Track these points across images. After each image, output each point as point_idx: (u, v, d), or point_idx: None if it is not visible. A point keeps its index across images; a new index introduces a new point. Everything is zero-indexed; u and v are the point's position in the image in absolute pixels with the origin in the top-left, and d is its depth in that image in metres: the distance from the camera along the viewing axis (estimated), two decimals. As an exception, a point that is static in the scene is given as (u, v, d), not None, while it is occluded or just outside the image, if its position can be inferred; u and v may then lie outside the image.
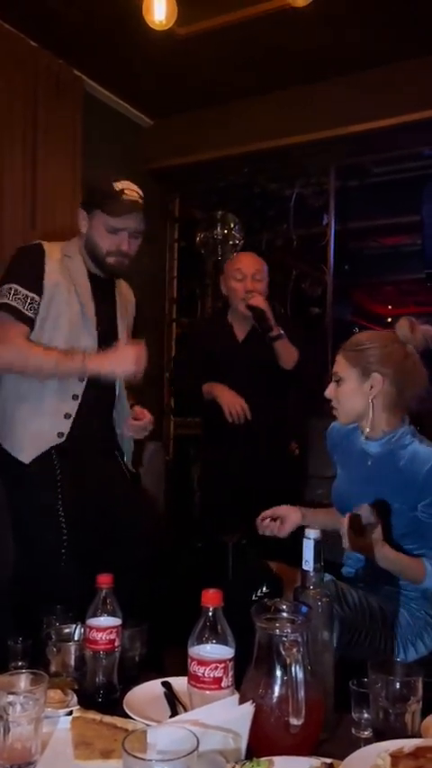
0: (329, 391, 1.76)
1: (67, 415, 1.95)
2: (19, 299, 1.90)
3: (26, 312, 1.91)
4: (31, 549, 1.90)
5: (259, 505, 1.92)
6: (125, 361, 1.91)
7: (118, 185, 1.98)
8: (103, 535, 1.94)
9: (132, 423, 2.09)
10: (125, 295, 2.21)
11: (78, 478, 1.95)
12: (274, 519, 1.83)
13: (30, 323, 1.92)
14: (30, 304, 1.91)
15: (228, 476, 2.78)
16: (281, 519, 1.82)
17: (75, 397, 1.96)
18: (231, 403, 2.69)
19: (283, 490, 2.66)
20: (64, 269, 2.00)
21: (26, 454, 1.92)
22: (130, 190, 1.98)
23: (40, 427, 1.93)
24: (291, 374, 2.70)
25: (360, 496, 1.68)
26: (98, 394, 2.02)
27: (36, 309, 1.93)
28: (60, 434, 1.93)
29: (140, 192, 2.00)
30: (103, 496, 1.99)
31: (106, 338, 2.04)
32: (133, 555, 1.93)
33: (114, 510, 2.00)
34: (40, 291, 1.94)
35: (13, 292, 1.91)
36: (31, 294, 1.92)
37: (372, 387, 1.67)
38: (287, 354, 2.68)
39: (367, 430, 1.71)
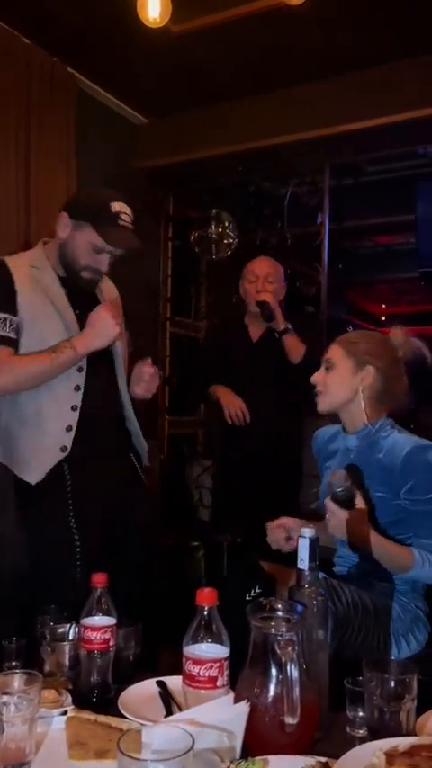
0: (318, 377, 1.81)
1: (68, 428, 1.89)
2: None
3: (7, 334, 1.84)
4: (45, 564, 1.87)
5: (257, 504, 1.94)
6: (106, 326, 1.87)
7: (115, 206, 1.90)
8: (113, 540, 1.92)
9: (141, 370, 2.01)
10: (107, 292, 2.12)
11: (89, 490, 1.91)
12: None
13: (13, 343, 1.86)
14: (8, 325, 1.85)
15: (239, 474, 2.87)
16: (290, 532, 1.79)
17: (74, 408, 1.91)
18: (230, 405, 2.84)
19: (281, 489, 2.71)
20: (34, 283, 1.91)
21: (32, 475, 1.87)
22: (125, 214, 1.92)
23: (43, 445, 1.89)
24: (297, 368, 2.78)
25: None
26: (99, 399, 1.96)
27: (16, 329, 1.86)
28: (64, 448, 1.88)
29: (132, 216, 1.94)
30: (114, 503, 1.95)
31: None
32: (138, 557, 1.94)
33: (124, 514, 1.96)
34: (14, 311, 1.86)
35: None
36: (5, 315, 1.84)
37: (363, 379, 1.75)
38: (295, 349, 2.82)
39: (359, 425, 1.75)
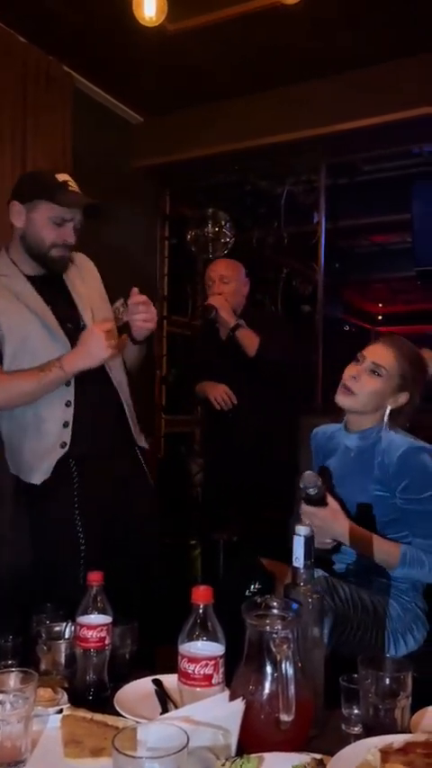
0: (357, 371, 1.75)
1: (65, 424, 1.90)
2: None
3: None
4: (49, 562, 1.88)
5: (252, 502, 1.95)
6: (97, 347, 1.83)
7: (60, 177, 1.91)
8: (117, 539, 1.93)
9: (131, 302, 1.94)
10: (82, 272, 2.09)
11: (95, 488, 1.91)
12: None
13: None
14: None
15: (225, 472, 2.89)
16: None
17: (68, 403, 1.91)
18: (215, 392, 2.88)
19: (274, 487, 2.71)
20: (5, 291, 1.91)
21: (37, 476, 1.88)
22: (72, 182, 1.92)
23: (44, 445, 1.89)
24: (253, 362, 2.82)
25: (344, 488, 1.75)
26: (94, 394, 1.96)
27: None
28: (63, 444, 1.89)
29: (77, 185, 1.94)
30: (118, 502, 1.96)
31: (78, 333, 1.94)
32: (142, 555, 1.95)
33: (128, 513, 1.97)
34: None
35: None
36: None
37: (397, 399, 1.75)
38: (249, 343, 2.84)
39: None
